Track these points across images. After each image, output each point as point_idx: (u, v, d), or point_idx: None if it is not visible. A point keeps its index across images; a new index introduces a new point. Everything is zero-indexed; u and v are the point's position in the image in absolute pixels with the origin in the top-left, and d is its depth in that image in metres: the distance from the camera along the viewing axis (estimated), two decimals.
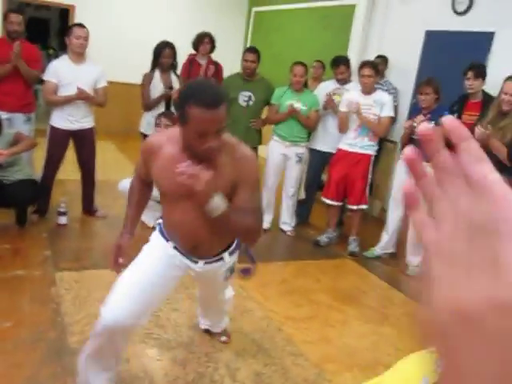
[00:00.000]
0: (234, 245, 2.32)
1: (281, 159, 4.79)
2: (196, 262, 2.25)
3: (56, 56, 9.14)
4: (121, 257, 2.40)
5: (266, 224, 4.90)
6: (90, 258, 3.85)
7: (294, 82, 4.64)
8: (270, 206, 4.90)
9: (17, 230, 4.19)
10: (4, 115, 4.20)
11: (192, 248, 2.19)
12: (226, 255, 2.28)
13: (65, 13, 9.18)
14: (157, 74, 4.72)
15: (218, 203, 1.85)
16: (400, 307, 3.78)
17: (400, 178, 4.42)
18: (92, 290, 3.34)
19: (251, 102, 4.77)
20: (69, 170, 5.19)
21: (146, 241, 4.08)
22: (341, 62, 4.91)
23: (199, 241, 2.15)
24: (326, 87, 4.99)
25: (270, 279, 3.91)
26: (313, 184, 5.24)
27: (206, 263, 2.26)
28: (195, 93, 1.86)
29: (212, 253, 2.26)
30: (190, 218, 2.06)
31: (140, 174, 2.31)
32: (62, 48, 10.18)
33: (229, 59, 6.75)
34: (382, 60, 5.58)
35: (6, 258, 3.69)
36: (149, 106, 4.76)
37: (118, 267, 2.37)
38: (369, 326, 3.38)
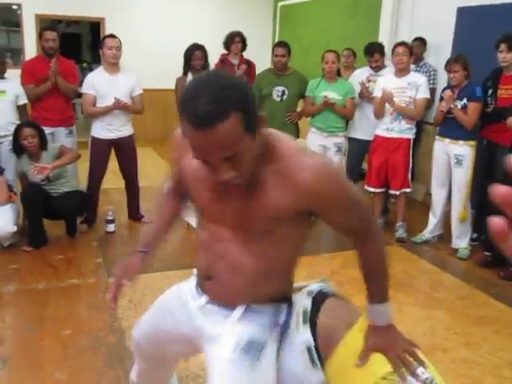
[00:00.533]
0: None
1: (320, 150, 4.76)
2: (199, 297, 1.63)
3: (90, 69, 9.39)
4: (127, 279, 1.88)
5: None
6: None
7: (327, 68, 4.60)
8: None
9: (68, 240, 4.33)
10: (47, 130, 4.33)
11: (205, 277, 1.59)
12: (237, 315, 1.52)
13: (95, 26, 9.39)
14: (190, 77, 4.78)
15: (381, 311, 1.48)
16: (452, 290, 3.72)
17: (437, 158, 4.35)
18: (145, 293, 3.41)
19: (285, 97, 4.76)
20: (112, 179, 5.31)
21: (192, 243, 4.13)
22: (375, 49, 4.84)
23: (216, 273, 1.52)
24: (361, 75, 4.93)
25: (319, 271, 3.90)
26: (354, 173, 5.18)
27: (208, 303, 1.59)
28: (185, 101, 1.18)
29: (226, 297, 1.55)
30: (214, 240, 1.50)
31: (172, 183, 1.76)
32: (95, 61, 10.45)
33: (259, 56, 6.76)
34: (420, 42, 5.45)
35: (60, 268, 3.81)
36: None
37: (114, 302, 1.81)
38: (423, 312, 3.33)
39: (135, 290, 3.44)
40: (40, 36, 4.63)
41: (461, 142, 4.15)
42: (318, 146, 4.75)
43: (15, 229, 3.97)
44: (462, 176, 4.19)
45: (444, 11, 5.42)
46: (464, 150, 4.15)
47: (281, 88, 4.75)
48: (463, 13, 5.26)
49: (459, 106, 4.07)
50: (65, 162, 4.17)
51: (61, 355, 2.72)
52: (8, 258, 3.92)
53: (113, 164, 4.71)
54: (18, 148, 4.11)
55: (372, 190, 4.64)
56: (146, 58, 8.07)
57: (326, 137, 4.73)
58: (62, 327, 2.99)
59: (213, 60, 5.26)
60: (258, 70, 5.67)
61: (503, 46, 3.94)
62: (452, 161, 4.23)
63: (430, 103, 4.87)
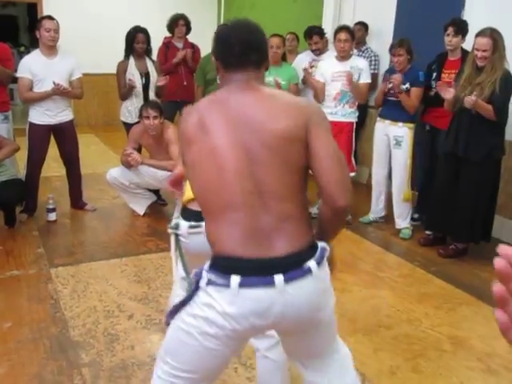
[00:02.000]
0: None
1: None
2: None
3: (27, 52, 8.99)
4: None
5: None
6: (83, 252, 3.83)
7: (272, 54, 4.58)
8: None
9: (7, 230, 4.16)
10: None
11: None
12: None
13: (32, 8, 9.01)
14: (131, 61, 4.65)
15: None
16: (395, 270, 3.82)
17: (378, 139, 4.45)
18: (89, 282, 3.33)
19: None
20: (53, 166, 5.15)
21: (138, 230, 4.07)
22: (313, 32, 4.87)
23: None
24: (303, 59, 4.95)
25: None
26: None
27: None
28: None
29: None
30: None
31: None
32: (33, 44, 10.03)
33: (204, 40, 6.67)
34: (361, 26, 5.51)
35: None
36: (125, 94, 4.70)
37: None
38: (368, 291, 3.41)
39: (79, 280, 3.36)
40: None
41: (400, 124, 4.25)
42: None
43: None
44: (402, 157, 4.29)
45: None
46: (403, 132, 4.25)
47: None
48: None
49: (403, 89, 4.16)
50: (3, 157, 4.00)
51: (0, 349, 2.62)
52: None
53: (53, 150, 4.55)
54: None
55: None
56: (86, 41, 7.80)
57: None
58: (1, 320, 2.88)
59: (156, 44, 5.14)
60: (202, 54, 5.60)
61: (450, 30, 4.03)
62: (391, 142, 4.33)
63: (372, 87, 4.94)
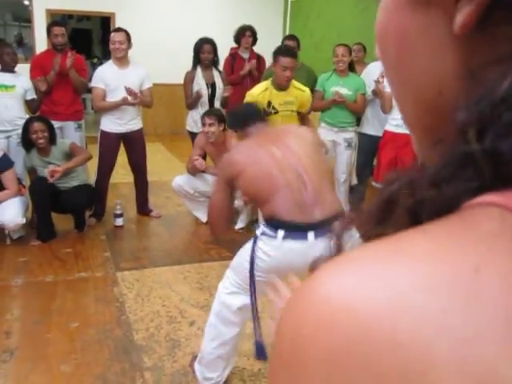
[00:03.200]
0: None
1: (330, 146, 4.72)
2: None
3: (100, 64, 9.40)
4: None
5: None
6: (148, 257, 3.92)
7: (337, 62, 4.55)
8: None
9: (76, 234, 4.32)
10: (56, 124, 4.33)
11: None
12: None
13: (106, 21, 9.41)
14: (199, 71, 4.74)
15: None
16: None
17: None
18: (153, 287, 3.40)
19: None
20: (121, 173, 5.32)
21: (201, 238, 4.11)
22: None
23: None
24: (373, 70, 4.85)
25: None
26: (364, 169, 5.14)
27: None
28: None
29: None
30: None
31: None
32: (106, 56, 10.46)
33: (269, 51, 6.73)
34: None
35: (68, 261, 3.81)
36: (192, 104, 4.79)
37: None
38: None
39: (143, 284, 3.44)
40: (48, 31, 4.62)
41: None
42: (329, 141, 4.70)
43: (24, 221, 3.97)
44: None
45: None
46: None
47: None
48: None
49: None
50: (76, 164, 4.14)
51: (67, 348, 2.71)
52: (17, 251, 3.93)
53: (122, 158, 4.70)
54: (27, 142, 4.10)
55: (380, 186, 4.58)
56: (156, 52, 8.05)
57: (336, 132, 4.68)
58: (69, 320, 2.98)
59: (223, 54, 5.23)
60: (267, 64, 5.64)
61: None
62: None
63: None
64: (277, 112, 3.95)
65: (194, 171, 4.43)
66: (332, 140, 4.70)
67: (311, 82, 4.74)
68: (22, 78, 4.42)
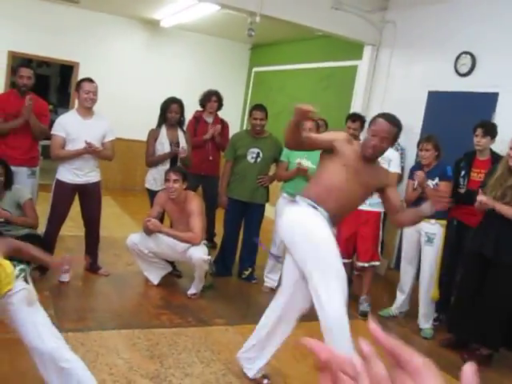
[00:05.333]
0: None
1: None
2: None
3: (55, 112, 9.21)
4: None
5: (274, 283, 4.77)
6: (94, 318, 3.67)
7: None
8: (278, 264, 4.78)
9: None
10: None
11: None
12: None
13: (65, 69, 9.32)
14: (163, 129, 4.69)
15: None
16: None
17: (408, 235, 4.37)
18: (99, 353, 3.16)
19: (259, 159, 4.74)
20: (69, 225, 5.07)
21: (152, 301, 3.91)
22: (358, 117, 4.93)
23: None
24: None
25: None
26: None
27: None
28: None
29: None
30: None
31: None
32: (62, 104, 10.28)
33: (231, 116, 6.81)
34: None
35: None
36: (153, 162, 4.69)
37: None
38: None
39: (89, 349, 3.19)
40: (14, 72, 4.48)
41: (433, 221, 4.18)
42: None
43: None
44: (433, 254, 4.20)
45: (415, 92, 5.63)
46: (436, 229, 4.18)
47: (256, 150, 4.74)
48: (434, 96, 5.48)
49: (431, 186, 4.13)
50: (20, 223, 4.02)
51: None
52: None
53: (72, 210, 4.49)
54: None
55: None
56: (115, 106, 7.96)
57: None
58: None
59: (188, 115, 5.22)
60: (231, 130, 5.70)
61: (479, 131, 4.08)
62: (423, 238, 4.25)
63: (399, 179, 4.94)
64: None
65: (148, 231, 4.28)
66: None
67: (277, 152, 4.78)
68: None
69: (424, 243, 4.25)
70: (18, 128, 4.27)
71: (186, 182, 4.28)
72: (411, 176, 4.34)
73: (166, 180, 4.22)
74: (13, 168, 4.30)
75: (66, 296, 4.06)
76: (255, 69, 9.29)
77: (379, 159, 4.30)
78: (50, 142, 4.33)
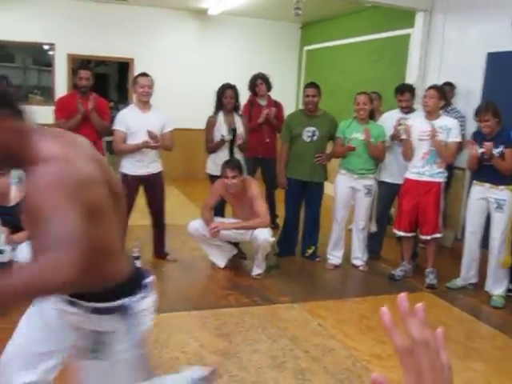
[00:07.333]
0: None
1: (349, 192, 4.71)
2: None
3: (116, 108, 9.55)
4: None
5: (337, 260, 4.80)
6: (166, 302, 3.83)
7: (358, 110, 4.59)
8: (340, 240, 4.81)
9: None
10: None
11: None
12: None
13: (123, 67, 9.62)
14: (220, 116, 4.79)
15: None
16: (489, 341, 3.57)
17: (475, 203, 4.26)
18: (171, 333, 3.32)
19: (315, 138, 4.75)
20: (137, 216, 5.29)
21: (218, 283, 4.03)
22: (406, 89, 4.84)
23: None
24: (390, 117, 4.90)
25: (348, 316, 3.79)
26: (383, 217, 5.12)
27: None
28: None
29: None
30: None
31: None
32: (122, 100, 10.64)
33: (285, 97, 6.83)
34: (449, 87, 5.40)
35: None
36: (212, 148, 4.82)
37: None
38: (460, 363, 3.17)
39: (161, 330, 3.36)
40: (74, 74, 4.71)
41: (501, 187, 4.06)
42: (348, 188, 4.70)
43: None
44: (503, 220, 4.09)
45: (473, 56, 5.43)
46: (505, 195, 4.06)
47: (311, 129, 4.75)
48: (493, 58, 5.26)
49: (496, 154, 4.00)
50: None
51: None
52: None
53: (138, 200, 4.69)
54: None
55: (402, 234, 4.54)
56: (173, 97, 8.16)
57: (355, 179, 4.67)
58: None
59: (243, 100, 5.29)
60: (286, 111, 5.73)
61: None
62: (492, 205, 4.14)
63: (460, 148, 4.80)
64: None
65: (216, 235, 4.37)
66: (351, 186, 4.69)
67: (333, 129, 4.77)
68: None
69: (494, 210, 4.13)
70: (81, 127, 4.49)
71: (242, 173, 4.34)
72: (475, 139, 4.20)
73: (225, 177, 4.30)
74: None
75: None
76: (306, 47, 9.22)
77: (438, 129, 4.25)
78: (113, 138, 4.55)
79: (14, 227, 3.88)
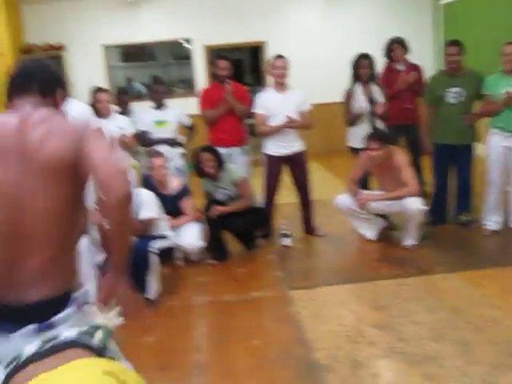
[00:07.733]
0: None
1: (503, 152, 4.38)
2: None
3: (252, 91, 9.83)
4: None
5: (496, 225, 4.51)
6: (318, 276, 3.95)
7: (506, 62, 4.22)
8: (498, 204, 4.50)
9: (247, 254, 4.51)
10: (224, 150, 4.58)
11: None
12: None
13: (255, 51, 9.84)
14: (357, 87, 4.72)
15: None
16: None
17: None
18: (327, 306, 3.40)
19: (462, 98, 4.47)
20: (284, 194, 5.44)
21: (369, 256, 4.02)
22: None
23: None
24: None
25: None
26: None
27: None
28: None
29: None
30: None
31: None
32: (257, 83, 10.90)
33: (424, 59, 6.49)
34: None
35: (243, 280, 3.98)
36: (352, 121, 4.77)
37: None
38: None
39: (317, 303, 3.46)
40: (213, 64, 4.94)
41: None
42: (501, 148, 4.37)
43: (202, 244, 4.24)
44: None
45: None
46: None
47: (456, 89, 4.47)
48: None
49: None
50: (236, 208, 4.31)
51: (252, 365, 2.80)
52: (195, 272, 4.20)
53: (284, 179, 4.82)
54: (200, 170, 4.40)
55: None
56: (308, 75, 8.17)
57: (509, 137, 4.32)
58: (250, 338, 3.08)
59: (379, 68, 5.14)
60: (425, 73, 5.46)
61: None
62: None
63: None
64: None
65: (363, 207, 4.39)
66: (505, 146, 4.36)
67: (480, 88, 4.45)
68: (172, 112, 5.05)
69: None
70: (224, 114, 4.72)
71: (386, 144, 4.25)
72: None
73: (367, 148, 4.25)
74: (226, 149, 4.76)
75: (291, 258, 4.42)
76: (442, 1, 8.63)
77: None
78: (254, 121, 4.71)
79: (173, 214, 4.24)
